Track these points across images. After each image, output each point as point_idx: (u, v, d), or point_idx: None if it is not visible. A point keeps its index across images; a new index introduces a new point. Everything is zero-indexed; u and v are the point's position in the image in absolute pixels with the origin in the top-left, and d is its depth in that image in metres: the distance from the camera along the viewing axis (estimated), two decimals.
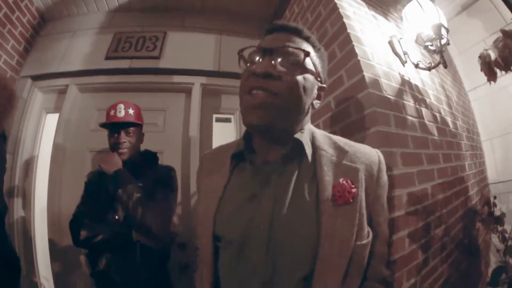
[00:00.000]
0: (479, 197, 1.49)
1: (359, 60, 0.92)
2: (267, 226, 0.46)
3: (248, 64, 0.52)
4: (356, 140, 0.90)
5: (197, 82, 1.73)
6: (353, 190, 0.47)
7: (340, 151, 0.52)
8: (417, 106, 1.10)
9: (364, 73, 0.89)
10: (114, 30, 1.78)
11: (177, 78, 1.73)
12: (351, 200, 0.46)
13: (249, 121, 0.47)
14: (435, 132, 1.16)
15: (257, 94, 0.46)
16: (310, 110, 0.55)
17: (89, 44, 1.75)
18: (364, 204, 0.48)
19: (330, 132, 1.04)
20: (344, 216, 0.46)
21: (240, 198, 0.51)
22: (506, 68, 0.91)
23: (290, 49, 0.49)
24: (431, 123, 1.16)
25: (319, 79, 0.54)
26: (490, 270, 1.43)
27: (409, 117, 1.01)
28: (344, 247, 0.44)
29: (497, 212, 1.36)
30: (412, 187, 0.88)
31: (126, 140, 1.12)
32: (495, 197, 1.37)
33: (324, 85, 0.57)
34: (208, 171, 0.60)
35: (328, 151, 0.52)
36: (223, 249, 0.51)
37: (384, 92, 0.93)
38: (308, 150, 0.51)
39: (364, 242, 0.47)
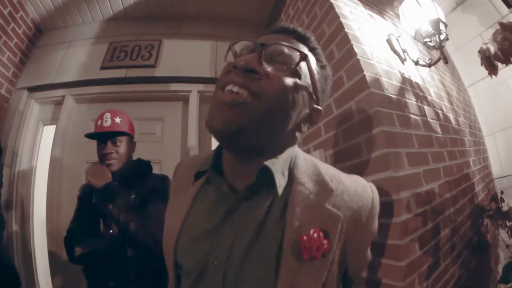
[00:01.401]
0: (486, 193, 1.46)
1: (358, 59, 0.89)
2: (223, 263, 0.39)
3: (236, 56, 0.44)
4: (359, 143, 0.88)
5: (194, 90, 1.71)
6: (325, 245, 0.37)
7: (323, 188, 0.41)
8: (419, 104, 1.08)
9: (365, 72, 0.87)
10: (109, 39, 1.77)
11: (173, 86, 1.71)
12: (319, 258, 0.37)
13: (211, 124, 0.37)
14: (439, 130, 1.13)
15: (231, 90, 0.37)
16: (297, 133, 0.44)
17: (84, 54, 1.73)
18: (337, 259, 0.39)
19: (332, 136, 1.02)
20: (308, 273, 0.37)
21: (201, 227, 0.44)
22: (506, 61, 0.88)
23: (285, 48, 0.40)
24: (434, 121, 1.13)
25: (314, 97, 0.44)
26: (500, 267, 1.39)
27: (412, 116, 0.98)
28: None
29: (504, 207, 1.33)
30: (419, 187, 0.85)
31: (113, 150, 1.06)
32: (502, 192, 1.34)
33: (320, 108, 0.46)
34: (177, 185, 0.54)
35: (306, 186, 0.41)
36: (183, 277, 0.46)
37: (385, 91, 0.90)
38: (281, 181, 0.40)
39: None
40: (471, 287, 1.12)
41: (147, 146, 1.63)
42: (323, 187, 0.41)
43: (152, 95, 1.70)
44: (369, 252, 0.47)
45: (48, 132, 1.71)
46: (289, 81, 0.39)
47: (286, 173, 0.42)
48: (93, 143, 1.61)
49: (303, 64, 0.41)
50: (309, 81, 0.43)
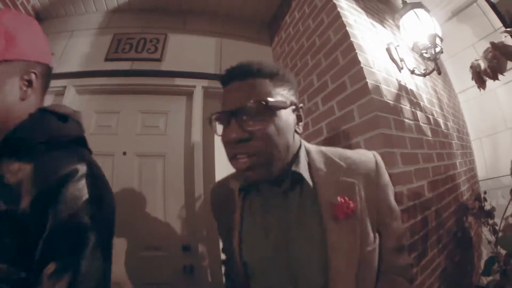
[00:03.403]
0: (470, 193, 1.66)
1: (362, 68, 1.04)
2: (285, 255, 0.54)
3: (221, 130, 0.54)
4: (358, 143, 1.04)
5: (198, 85, 1.81)
6: (351, 205, 0.52)
7: (336, 167, 0.57)
8: (413, 109, 1.24)
9: (367, 80, 1.02)
10: (113, 31, 1.84)
11: (178, 81, 1.80)
12: (351, 214, 0.52)
13: (249, 179, 0.54)
14: (429, 133, 1.30)
15: (241, 159, 0.50)
16: (294, 135, 0.57)
17: (87, 44, 1.79)
18: (365, 213, 0.54)
19: (334, 135, 1.17)
20: (347, 230, 0.52)
21: (256, 229, 0.59)
22: (494, 77, 1.03)
23: (249, 106, 0.50)
24: (425, 125, 1.30)
25: (291, 105, 0.55)
26: (482, 263, 1.58)
27: (406, 120, 1.15)
28: (350, 257, 0.51)
29: (487, 207, 1.52)
30: (410, 184, 1.02)
31: None
32: (485, 192, 1.53)
33: (301, 105, 0.59)
34: (219, 206, 0.69)
35: (324, 170, 0.57)
36: (251, 275, 0.59)
37: (384, 97, 1.06)
38: (308, 177, 0.55)
39: (370, 248, 0.53)
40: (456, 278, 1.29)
41: (150, 139, 1.73)
42: (335, 166, 0.57)
43: (157, 89, 1.78)
44: (394, 205, 0.60)
45: None
46: (270, 125, 0.50)
47: (307, 167, 0.57)
48: (97, 136, 1.70)
49: (270, 101, 0.51)
50: (279, 104, 0.52)
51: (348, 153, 0.60)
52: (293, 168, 0.55)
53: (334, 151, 0.61)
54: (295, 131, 0.57)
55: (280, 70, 0.56)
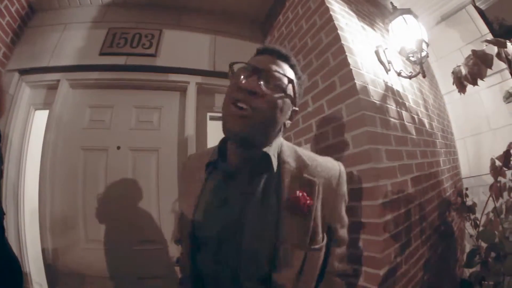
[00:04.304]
0: (453, 190, 1.77)
1: (351, 69, 1.12)
2: (237, 231, 0.57)
3: (241, 77, 0.59)
4: (346, 139, 1.12)
5: (192, 81, 1.87)
6: (308, 201, 0.57)
7: (303, 164, 0.62)
8: (398, 109, 1.34)
9: (355, 81, 1.10)
10: (107, 25, 1.87)
11: (172, 77, 1.85)
12: (306, 211, 0.57)
13: (231, 128, 0.56)
14: (413, 132, 1.40)
15: (242, 107, 0.55)
16: (282, 128, 0.65)
17: (81, 38, 1.81)
18: (319, 214, 0.59)
19: (323, 132, 1.26)
20: (299, 223, 0.57)
21: (213, 203, 0.62)
22: (474, 83, 1.10)
23: (277, 74, 0.59)
24: (410, 124, 1.40)
25: (294, 103, 0.64)
26: (465, 256, 1.69)
27: (392, 119, 1.24)
28: (298, 249, 0.56)
29: (469, 202, 1.64)
30: (395, 178, 1.11)
31: None
32: (467, 189, 1.65)
33: (297, 109, 0.67)
34: (187, 176, 0.72)
35: (291, 164, 0.62)
36: (202, 246, 0.62)
37: (371, 97, 1.14)
38: (274, 162, 0.61)
39: (317, 246, 0.58)
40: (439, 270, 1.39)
41: (144, 133, 1.77)
42: (302, 163, 0.63)
43: (151, 84, 1.83)
44: (344, 215, 0.67)
45: (40, 118, 1.77)
46: (279, 99, 0.58)
47: (276, 156, 0.63)
48: (90, 131, 1.73)
49: (289, 85, 0.61)
50: (292, 94, 0.62)
51: (317, 157, 0.66)
52: (264, 149, 0.61)
53: (305, 152, 0.67)
54: (284, 124, 0.64)
55: (303, 76, 0.68)
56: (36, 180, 1.62)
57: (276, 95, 0.58)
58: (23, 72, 1.75)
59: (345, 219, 0.68)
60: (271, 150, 0.62)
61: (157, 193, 1.67)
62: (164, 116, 1.85)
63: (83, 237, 1.59)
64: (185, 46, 1.90)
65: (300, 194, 0.57)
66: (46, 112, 1.74)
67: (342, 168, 0.66)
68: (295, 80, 0.63)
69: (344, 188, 0.65)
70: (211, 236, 0.60)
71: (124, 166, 1.67)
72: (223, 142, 0.68)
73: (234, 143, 0.63)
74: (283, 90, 0.60)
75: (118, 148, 1.70)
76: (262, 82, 0.57)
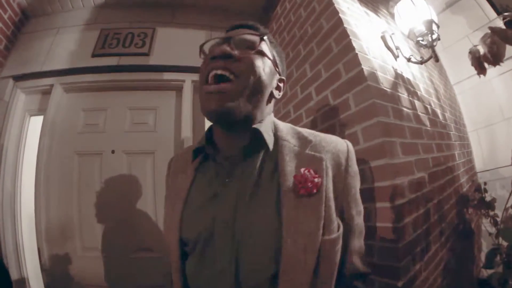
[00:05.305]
0: (470, 185, 1.59)
1: (357, 54, 0.96)
2: (231, 223, 0.44)
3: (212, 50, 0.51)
4: (356, 132, 0.96)
5: (188, 79, 1.73)
6: (316, 180, 0.44)
7: (304, 140, 0.51)
8: (410, 98, 1.17)
9: (363, 66, 0.94)
10: (100, 26, 1.75)
11: (167, 75, 1.72)
12: (315, 191, 0.43)
13: (207, 107, 0.46)
14: (428, 123, 1.23)
15: (215, 74, 0.46)
16: (272, 101, 0.55)
17: (74, 41, 1.71)
18: (331, 195, 0.45)
19: (329, 125, 1.09)
20: (308, 208, 0.43)
21: (203, 197, 0.50)
22: (495, 63, 0.96)
23: (247, 35, 0.51)
24: (424, 115, 1.23)
25: (277, 69, 0.55)
26: (482, 255, 1.52)
27: (404, 109, 1.07)
28: (309, 241, 0.41)
29: (487, 198, 1.46)
30: (412, 175, 0.94)
31: None
32: (485, 183, 1.46)
33: (284, 78, 0.57)
34: (174, 173, 0.59)
35: (290, 141, 0.51)
36: (190, 252, 0.49)
37: (381, 84, 0.98)
38: (269, 139, 0.49)
39: (333, 236, 0.43)
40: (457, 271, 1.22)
41: (139, 136, 1.64)
42: (303, 140, 0.52)
43: (145, 84, 1.70)
44: (359, 198, 0.53)
45: (35, 123, 1.67)
46: (257, 58, 0.49)
47: (271, 133, 0.51)
48: (84, 135, 1.61)
49: (263, 45, 0.52)
50: (269, 55, 0.53)
51: (319, 133, 0.55)
52: (254, 126, 0.49)
53: (304, 129, 0.56)
54: (272, 94, 0.54)
55: (279, 47, 0.59)
56: (32, 186, 1.52)
57: (253, 53, 0.49)
58: (18, 78, 1.65)
59: (361, 204, 0.54)
60: (263, 127, 0.50)
61: (154, 198, 1.53)
62: (159, 117, 1.71)
63: (79, 245, 1.46)
64: (179, 44, 1.76)
65: (306, 171, 0.45)
66: (41, 118, 1.64)
67: (350, 145, 0.54)
68: (267, 41, 0.54)
69: (356, 166, 0.52)
70: (199, 237, 0.47)
71: (118, 171, 1.54)
72: (210, 128, 0.55)
73: (219, 127, 0.51)
74: (259, 51, 0.51)
75: (113, 152, 1.57)
76: (235, 46, 0.49)
